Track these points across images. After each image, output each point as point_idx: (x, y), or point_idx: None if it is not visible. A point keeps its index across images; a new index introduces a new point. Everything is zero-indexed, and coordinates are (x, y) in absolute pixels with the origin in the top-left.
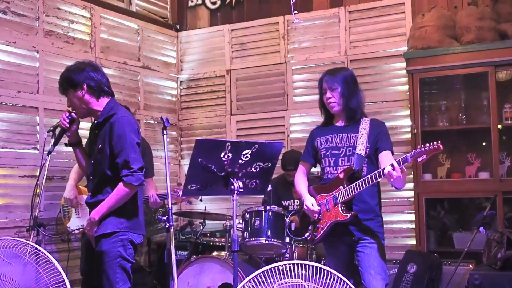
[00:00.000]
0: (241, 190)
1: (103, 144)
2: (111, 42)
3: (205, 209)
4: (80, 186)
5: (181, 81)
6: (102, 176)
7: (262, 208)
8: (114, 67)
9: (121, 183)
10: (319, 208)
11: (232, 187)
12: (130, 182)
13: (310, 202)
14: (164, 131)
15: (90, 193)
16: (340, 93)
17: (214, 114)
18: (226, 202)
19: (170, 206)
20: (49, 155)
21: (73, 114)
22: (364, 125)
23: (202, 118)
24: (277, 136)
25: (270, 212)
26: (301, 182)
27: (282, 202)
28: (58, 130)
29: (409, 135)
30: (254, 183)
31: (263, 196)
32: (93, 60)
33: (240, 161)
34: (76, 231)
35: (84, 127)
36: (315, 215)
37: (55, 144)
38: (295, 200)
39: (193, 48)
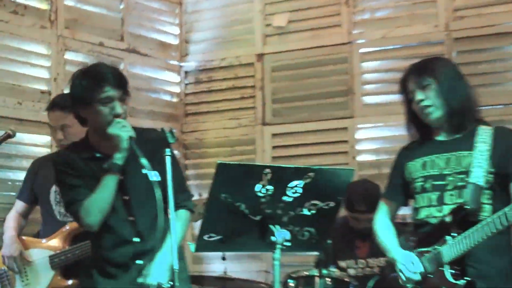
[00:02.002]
0: (287, 243)
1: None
2: (81, 13)
3: (224, 272)
4: (23, 238)
5: (186, 72)
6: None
7: (315, 272)
8: (85, 50)
9: (186, 211)
10: (422, 270)
11: (273, 238)
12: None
13: (407, 261)
14: (167, 149)
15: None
16: (437, 90)
17: (236, 124)
18: (257, 262)
19: (175, 268)
20: None
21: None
22: (483, 137)
23: (218, 129)
24: (336, 158)
25: (328, 280)
26: (385, 229)
27: (339, 262)
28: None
29: None
30: (307, 233)
31: (318, 253)
32: (55, 39)
33: (285, 198)
34: None
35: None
36: (413, 282)
37: None
38: (359, 261)
39: (204, 20)
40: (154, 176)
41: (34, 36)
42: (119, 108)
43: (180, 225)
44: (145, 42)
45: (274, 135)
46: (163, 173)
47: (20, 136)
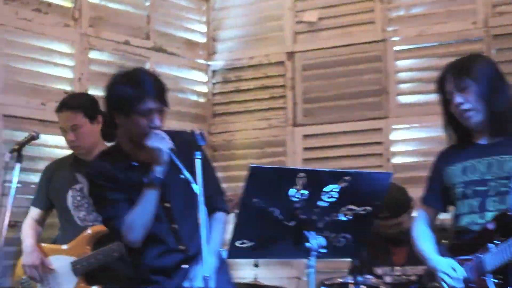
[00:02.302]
0: (322, 250)
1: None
2: (106, 10)
3: (255, 278)
4: (43, 245)
5: (213, 71)
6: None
7: (350, 279)
8: (110, 49)
9: (223, 213)
10: (466, 275)
11: (308, 245)
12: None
13: (449, 268)
14: (197, 152)
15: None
16: (477, 93)
17: (266, 125)
18: (288, 268)
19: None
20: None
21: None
22: None
23: (248, 130)
24: (370, 160)
25: (363, 287)
26: (423, 237)
27: (375, 269)
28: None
29: None
30: (343, 239)
31: (352, 260)
32: (79, 38)
33: (321, 203)
34: None
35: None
36: None
37: None
38: (396, 268)
39: (232, 18)
40: (197, 188)
41: (57, 35)
42: (157, 120)
43: (219, 227)
44: (171, 40)
45: (305, 136)
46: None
47: (44, 138)
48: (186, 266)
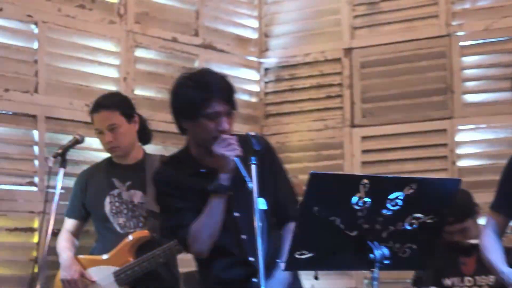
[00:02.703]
0: (386, 261)
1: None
2: (152, 6)
3: None
4: (81, 257)
5: (266, 69)
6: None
7: None
8: (157, 46)
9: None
10: None
11: (371, 256)
12: None
13: None
14: (252, 157)
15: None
16: None
17: (323, 125)
18: (346, 278)
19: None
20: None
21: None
22: None
23: (302, 131)
24: (434, 163)
25: None
26: (492, 246)
27: (443, 280)
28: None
29: None
30: (408, 250)
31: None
32: (125, 35)
33: (385, 211)
34: None
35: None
36: None
37: None
38: (466, 278)
39: (285, 12)
40: (262, 204)
41: (102, 32)
42: (225, 124)
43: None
44: (221, 36)
45: (364, 138)
46: (267, 183)
47: (89, 141)
48: (255, 279)
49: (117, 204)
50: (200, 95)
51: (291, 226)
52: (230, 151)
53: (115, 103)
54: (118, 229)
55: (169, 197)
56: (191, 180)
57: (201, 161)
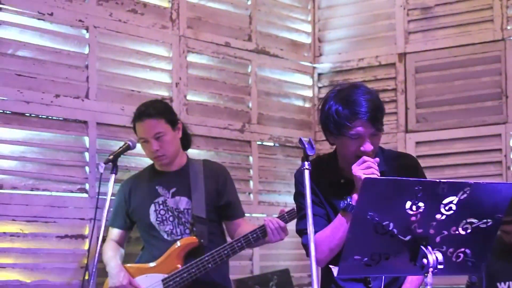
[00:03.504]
0: (440, 266)
1: None
2: (205, 10)
3: None
4: (128, 265)
5: (319, 74)
6: None
7: None
8: (209, 51)
9: None
10: None
11: (425, 261)
12: None
13: None
14: (305, 162)
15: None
16: None
17: None
18: None
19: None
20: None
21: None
22: None
23: None
24: (488, 168)
25: None
26: None
27: (498, 284)
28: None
29: None
30: (461, 255)
31: (469, 277)
32: (177, 40)
33: (438, 216)
34: None
35: None
36: None
37: None
38: None
39: (339, 17)
40: None
41: (154, 37)
42: (368, 145)
43: None
44: (274, 41)
45: (418, 143)
46: None
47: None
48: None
49: (162, 212)
50: (345, 115)
51: None
52: (368, 174)
53: (160, 111)
54: (165, 236)
55: (304, 199)
56: (330, 188)
57: (343, 171)
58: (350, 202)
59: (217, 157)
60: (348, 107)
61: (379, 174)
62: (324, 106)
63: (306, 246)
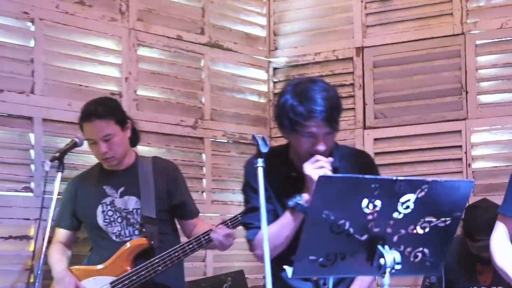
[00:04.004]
0: (397, 266)
1: None
2: (156, 3)
3: None
4: (75, 267)
5: (275, 69)
6: None
7: None
8: (160, 45)
9: None
10: None
11: (382, 261)
12: None
13: None
14: (259, 159)
15: None
16: None
17: None
18: None
19: None
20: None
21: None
22: None
23: None
24: (448, 165)
25: None
26: (504, 254)
27: None
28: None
29: None
30: (419, 254)
31: (427, 278)
32: (127, 33)
33: (396, 214)
34: None
35: None
36: None
37: None
38: None
39: (296, 10)
40: None
41: (103, 30)
42: (322, 146)
43: None
44: (228, 35)
45: (377, 139)
46: None
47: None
48: None
49: (110, 213)
50: (300, 113)
51: None
52: (319, 173)
53: (109, 111)
54: (113, 238)
55: (252, 191)
56: (280, 182)
57: (295, 164)
58: (299, 201)
59: (169, 154)
60: (304, 105)
61: (331, 174)
62: (280, 99)
63: (250, 241)
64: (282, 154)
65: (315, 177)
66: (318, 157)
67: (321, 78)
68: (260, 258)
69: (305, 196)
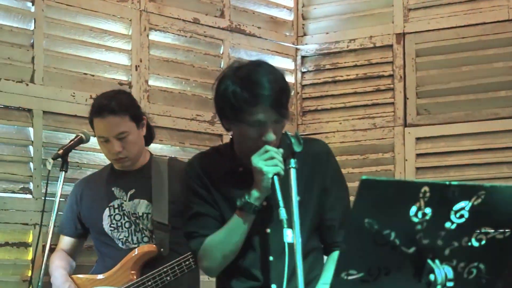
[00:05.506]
0: (449, 283)
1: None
2: None
3: None
4: (78, 276)
5: (303, 57)
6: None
7: None
8: (175, 29)
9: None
10: None
11: (432, 277)
12: None
13: None
14: (292, 160)
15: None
16: None
17: (370, 125)
18: None
19: None
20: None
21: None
22: None
23: (345, 131)
24: (501, 169)
25: None
26: None
27: None
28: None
29: None
30: (474, 270)
31: None
32: (137, 15)
33: (448, 224)
34: None
35: None
36: None
37: None
38: None
39: None
40: (290, 238)
41: (110, 12)
42: (270, 135)
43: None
44: (251, 18)
45: (419, 139)
46: (314, 197)
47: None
48: None
49: (117, 217)
50: (244, 99)
51: (333, 255)
52: (270, 166)
53: (124, 106)
54: (119, 244)
55: (194, 196)
56: (226, 180)
57: (241, 159)
58: (248, 200)
59: (183, 153)
60: (248, 89)
61: (283, 166)
62: (219, 86)
63: (195, 252)
64: (226, 150)
65: (265, 169)
66: (267, 147)
67: (265, 60)
68: (208, 271)
69: (254, 194)
